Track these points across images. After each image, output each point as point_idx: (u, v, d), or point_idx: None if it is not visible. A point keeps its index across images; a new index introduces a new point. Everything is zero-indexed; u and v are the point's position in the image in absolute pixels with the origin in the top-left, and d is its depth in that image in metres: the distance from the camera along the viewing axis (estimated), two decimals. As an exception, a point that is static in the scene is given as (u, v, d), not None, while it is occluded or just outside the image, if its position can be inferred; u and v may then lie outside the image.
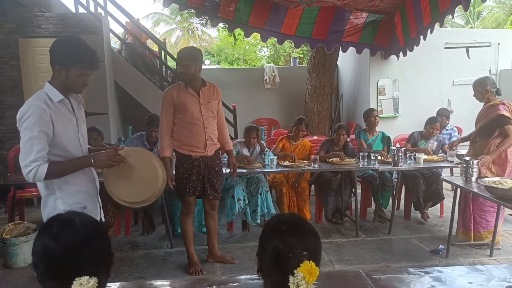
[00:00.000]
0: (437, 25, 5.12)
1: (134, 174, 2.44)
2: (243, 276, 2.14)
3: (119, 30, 9.72)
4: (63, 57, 2.24)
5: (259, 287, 1.95)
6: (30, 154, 2.15)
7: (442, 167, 5.33)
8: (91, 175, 2.48)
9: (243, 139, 5.25)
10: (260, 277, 1.39)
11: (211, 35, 24.64)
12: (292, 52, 14.49)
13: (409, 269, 2.14)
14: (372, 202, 5.69)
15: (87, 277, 1.13)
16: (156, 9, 33.89)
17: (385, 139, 5.64)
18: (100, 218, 2.52)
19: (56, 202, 2.28)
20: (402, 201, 5.70)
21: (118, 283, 1.89)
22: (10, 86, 6.47)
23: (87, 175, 2.44)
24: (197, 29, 23.79)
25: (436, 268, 2.15)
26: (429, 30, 5.25)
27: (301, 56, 13.59)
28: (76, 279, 1.13)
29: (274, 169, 4.84)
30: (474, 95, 4.51)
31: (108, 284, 1.31)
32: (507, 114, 4.28)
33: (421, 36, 5.56)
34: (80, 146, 2.39)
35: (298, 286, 1.22)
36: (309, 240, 1.32)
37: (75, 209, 2.13)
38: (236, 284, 1.99)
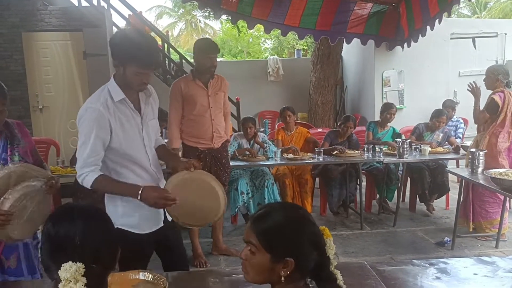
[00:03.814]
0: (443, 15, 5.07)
1: (195, 201, 2.23)
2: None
3: (121, 23, 9.69)
4: (118, 53, 2.08)
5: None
6: (81, 158, 2.06)
7: (447, 159, 5.29)
8: (154, 176, 2.30)
9: (242, 132, 5.25)
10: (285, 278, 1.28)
11: (214, 27, 24.56)
12: (296, 44, 14.42)
13: (413, 260, 2.13)
14: (377, 195, 5.66)
15: (70, 262, 1.16)
16: (159, 2, 33.93)
17: (396, 136, 5.56)
18: (165, 219, 2.34)
19: (117, 203, 2.19)
20: (407, 194, 5.67)
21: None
22: (14, 80, 6.47)
23: (151, 177, 2.27)
24: (200, 22, 23.71)
25: (441, 259, 2.14)
26: (437, 20, 5.19)
27: (305, 48, 13.51)
28: (63, 264, 1.16)
29: (278, 162, 4.82)
30: (484, 80, 4.47)
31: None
32: (498, 100, 4.22)
33: (428, 27, 5.49)
34: (144, 146, 2.23)
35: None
36: None
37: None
38: (240, 275, 1.99)
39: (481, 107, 4.43)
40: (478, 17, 21.62)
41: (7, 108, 2.21)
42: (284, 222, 1.28)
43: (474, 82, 4.59)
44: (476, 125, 4.68)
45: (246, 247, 1.31)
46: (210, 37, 23.98)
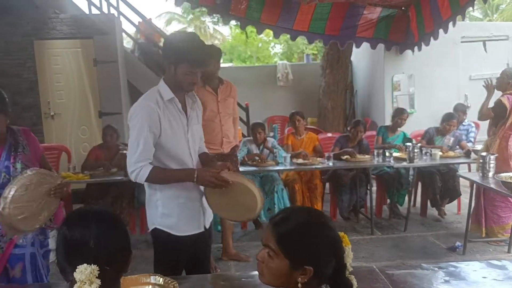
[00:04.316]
0: (453, 19, 5.04)
1: (233, 197, 2.24)
2: (257, 272, 2.14)
3: (131, 30, 9.77)
4: (171, 53, 2.17)
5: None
6: (135, 153, 2.11)
7: (458, 163, 5.25)
8: None
9: (251, 137, 5.26)
10: (302, 284, 1.28)
11: (224, 33, 24.66)
12: (306, 49, 14.41)
13: (422, 264, 2.12)
14: (387, 199, 5.62)
15: (85, 265, 1.19)
16: (168, 9, 34.11)
17: (406, 140, 5.52)
18: (204, 225, 2.37)
19: (157, 203, 2.23)
20: (418, 198, 5.62)
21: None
22: (26, 87, 6.56)
23: None
24: (209, 28, 23.81)
25: (450, 263, 2.13)
26: (450, 24, 5.15)
27: (315, 52, 13.50)
28: (78, 266, 1.19)
29: (288, 167, 4.82)
30: (496, 79, 4.46)
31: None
32: (506, 103, 4.21)
33: (441, 30, 5.45)
34: (188, 148, 2.28)
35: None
36: None
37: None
38: (250, 279, 2.01)
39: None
40: (490, 20, 21.42)
41: (8, 115, 2.22)
42: (305, 229, 1.27)
43: (490, 79, 4.61)
44: (487, 129, 4.65)
45: (264, 249, 1.31)
46: (218, 43, 24.11)
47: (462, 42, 7.34)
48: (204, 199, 2.33)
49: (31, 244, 2.28)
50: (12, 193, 1.98)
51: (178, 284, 1.82)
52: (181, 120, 2.24)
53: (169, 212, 2.23)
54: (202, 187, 2.30)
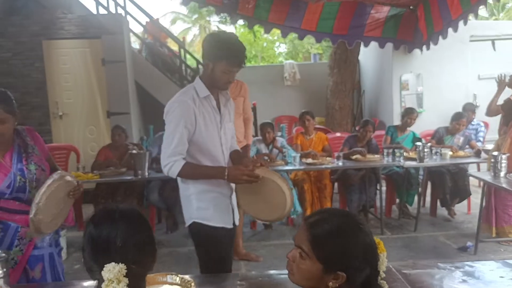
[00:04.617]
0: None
1: (263, 194, 2.25)
2: (273, 271, 2.14)
3: (138, 30, 9.80)
4: (210, 52, 2.22)
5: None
6: (169, 148, 2.16)
7: (468, 163, 5.21)
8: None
9: (260, 137, 5.25)
10: None
11: (229, 33, 24.64)
12: (311, 48, 14.38)
13: (439, 264, 2.11)
14: (397, 199, 5.59)
15: (113, 263, 1.20)
16: (173, 8, 34.15)
17: (416, 140, 5.49)
18: (233, 222, 2.39)
19: (191, 198, 2.27)
20: (428, 198, 5.59)
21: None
22: (35, 87, 6.58)
23: None
24: (218, 28, 23.80)
25: (466, 263, 2.11)
26: (461, 22, 5.11)
27: (320, 52, 13.48)
28: (105, 265, 1.20)
29: (297, 167, 4.80)
30: (510, 77, 4.45)
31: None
32: None
33: (451, 29, 5.41)
34: (221, 145, 2.32)
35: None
36: None
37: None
38: (267, 279, 2.00)
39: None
40: (496, 19, 21.29)
41: (16, 117, 2.19)
42: (342, 234, 1.24)
43: (504, 74, 4.59)
44: (498, 128, 4.62)
45: (296, 249, 1.29)
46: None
47: (471, 41, 7.30)
48: (233, 196, 2.37)
49: (49, 245, 2.29)
50: (44, 199, 1.99)
51: (195, 283, 1.81)
52: (215, 118, 2.28)
53: (204, 206, 2.26)
54: (233, 185, 2.33)
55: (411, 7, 6.30)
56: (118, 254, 1.23)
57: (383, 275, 1.31)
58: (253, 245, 4.54)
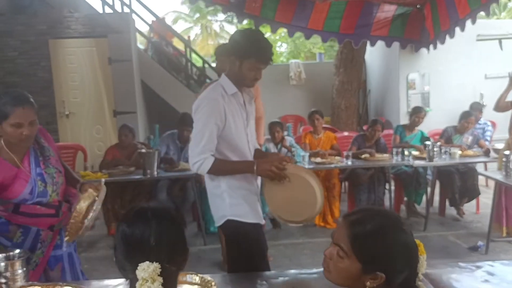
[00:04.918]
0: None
1: (291, 191, 2.21)
2: (293, 271, 2.13)
3: (143, 29, 9.80)
4: (238, 48, 2.21)
5: (311, 280, 1.94)
6: (198, 145, 2.15)
7: (478, 162, 5.19)
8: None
9: (269, 136, 5.23)
10: None
11: (230, 32, 24.67)
12: (313, 48, 14.35)
13: (460, 263, 2.09)
14: (404, 198, 5.58)
15: (147, 262, 1.18)
16: (175, 8, 34.23)
17: (424, 139, 5.48)
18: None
19: (223, 195, 2.25)
20: (436, 197, 5.58)
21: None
22: (41, 86, 6.58)
23: (252, 174, 2.32)
24: (223, 26, 23.81)
25: (487, 262, 2.10)
26: (469, 21, 5.09)
27: (322, 51, 13.46)
28: (139, 264, 1.18)
29: (307, 166, 4.78)
30: None
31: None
32: None
33: (458, 28, 5.39)
34: (247, 142, 2.33)
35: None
36: None
37: None
38: (287, 278, 1.99)
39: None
40: (497, 18, 21.28)
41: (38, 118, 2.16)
42: (384, 234, 1.21)
43: None
44: (508, 127, 4.60)
45: (334, 247, 1.28)
46: (225, 42, 24.06)
47: (477, 40, 7.28)
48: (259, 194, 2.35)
49: (68, 245, 2.27)
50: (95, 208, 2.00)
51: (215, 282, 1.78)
52: (241, 114, 2.28)
53: (237, 202, 2.24)
54: (259, 182, 2.34)
55: (418, 6, 6.27)
56: (152, 253, 1.21)
57: (421, 277, 1.30)
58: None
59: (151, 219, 1.26)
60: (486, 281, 1.90)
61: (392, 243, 1.21)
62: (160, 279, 1.18)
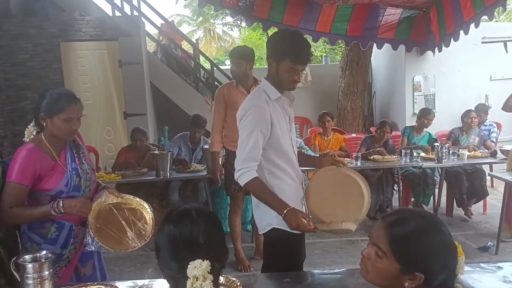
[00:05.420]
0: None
1: (337, 196, 2.17)
2: (317, 271, 2.17)
3: (152, 32, 9.86)
4: (273, 50, 2.18)
5: (334, 281, 1.99)
6: (242, 153, 2.12)
7: (486, 163, 5.24)
8: (300, 175, 2.35)
9: None
10: None
11: (233, 35, 24.76)
12: (315, 51, 14.37)
13: (481, 264, 2.13)
14: (412, 199, 5.64)
15: (199, 260, 1.20)
16: (178, 11, 34.32)
17: (432, 141, 5.54)
18: None
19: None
20: (443, 198, 5.64)
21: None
22: (53, 89, 6.62)
23: (298, 176, 2.32)
24: (231, 29, 23.86)
25: (508, 263, 2.14)
26: (473, 24, 5.16)
27: (323, 54, 13.52)
28: (190, 262, 1.21)
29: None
30: None
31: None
32: None
33: (462, 31, 5.47)
34: (292, 146, 2.29)
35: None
36: None
37: None
38: (310, 279, 2.02)
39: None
40: (496, 21, 21.30)
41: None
42: (423, 235, 1.21)
43: None
44: None
45: (372, 247, 1.28)
46: (227, 45, 24.21)
47: (482, 42, 7.34)
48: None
49: (95, 243, 2.32)
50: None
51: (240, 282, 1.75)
52: (285, 118, 2.26)
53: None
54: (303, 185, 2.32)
55: (424, 9, 6.36)
56: (201, 251, 1.24)
57: (460, 279, 1.30)
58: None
59: (197, 218, 1.30)
60: (509, 281, 1.91)
61: (431, 244, 1.21)
62: (211, 277, 1.20)
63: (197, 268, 1.19)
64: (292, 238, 2.18)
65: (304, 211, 2.29)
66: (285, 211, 2.03)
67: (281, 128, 2.21)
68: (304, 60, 2.16)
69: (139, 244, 2.13)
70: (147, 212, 2.22)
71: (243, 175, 2.10)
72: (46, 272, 1.75)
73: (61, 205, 2.04)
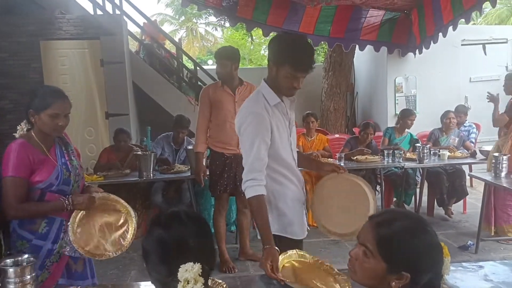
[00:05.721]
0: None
1: (342, 201, 2.17)
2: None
3: (134, 31, 9.76)
4: (273, 54, 2.11)
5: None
6: (246, 164, 2.06)
7: (467, 163, 5.34)
8: (301, 179, 2.32)
9: None
10: None
11: (216, 35, 24.72)
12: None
13: (463, 263, 2.17)
14: (394, 199, 5.71)
15: (191, 263, 1.20)
16: (160, 10, 34.07)
17: (413, 142, 5.62)
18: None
19: (284, 211, 2.18)
20: (424, 198, 5.72)
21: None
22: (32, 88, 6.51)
23: (299, 180, 2.29)
24: (215, 29, 23.79)
25: (489, 262, 2.18)
26: (451, 27, 5.26)
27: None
28: (181, 266, 1.20)
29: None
30: (503, 86, 4.64)
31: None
32: None
33: (441, 34, 5.56)
34: (291, 151, 2.24)
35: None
36: None
37: None
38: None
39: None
40: (474, 24, 21.71)
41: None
42: (410, 235, 1.23)
43: (490, 92, 4.81)
44: (497, 129, 4.78)
45: (359, 247, 1.30)
46: (209, 45, 24.15)
47: (462, 45, 7.48)
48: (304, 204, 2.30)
49: None
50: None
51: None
52: (284, 124, 2.20)
53: (293, 220, 2.20)
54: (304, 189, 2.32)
55: (405, 11, 6.44)
56: (192, 254, 1.23)
57: (446, 280, 1.32)
58: (260, 245, 4.53)
59: (187, 222, 1.29)
60: (490, 280, 1.97)
61: (417, 243, 1.23)
62: (202, 279, 1.20)
63: (189, 271, 1.19)
64: (291, 244, 2.15)
65: (305, 214, 2.30)
66: (266, 246, 1.95)
67: (280, 136, 2.16)
68: (305, 68, 2.06)
69: (114, 253, 2.17)
70: (132, 222, 2.25)
71: (249, 188, 2.02)
72: (28, 277, 1.76)
73: (70, 201, 2.14)
